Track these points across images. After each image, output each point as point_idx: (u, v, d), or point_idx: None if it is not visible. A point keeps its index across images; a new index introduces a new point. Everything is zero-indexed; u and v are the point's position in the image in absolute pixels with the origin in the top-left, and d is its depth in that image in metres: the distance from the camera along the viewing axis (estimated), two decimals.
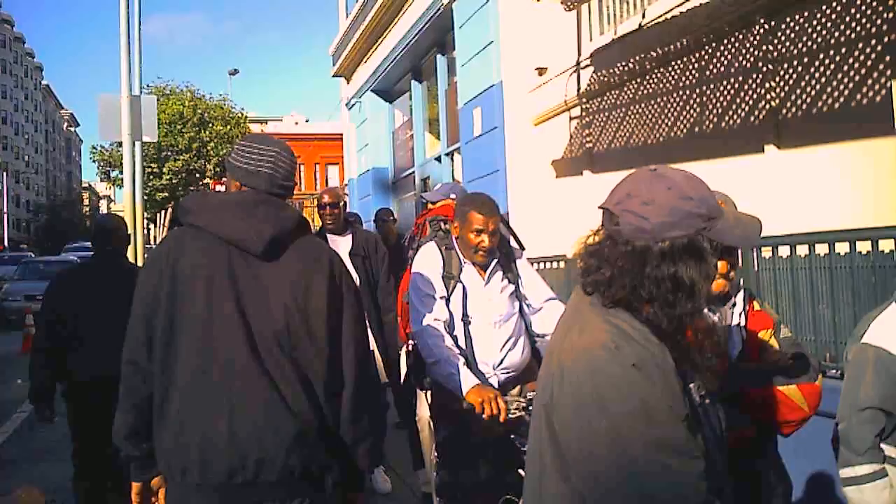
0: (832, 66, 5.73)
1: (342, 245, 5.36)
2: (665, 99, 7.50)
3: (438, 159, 14.19)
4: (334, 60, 19.50)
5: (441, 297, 3.55)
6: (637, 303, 1.60)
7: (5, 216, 71.78)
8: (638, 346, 1.56)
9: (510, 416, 3.17)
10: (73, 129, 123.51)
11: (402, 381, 4.21)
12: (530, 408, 3.25)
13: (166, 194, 36.75)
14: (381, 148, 17.72)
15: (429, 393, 3.83)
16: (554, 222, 8.92)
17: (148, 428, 2.43)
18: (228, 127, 37.00)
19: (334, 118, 37.77)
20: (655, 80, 7.65)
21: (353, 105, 18.88)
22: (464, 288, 3.60)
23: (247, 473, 2.32)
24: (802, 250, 5.01)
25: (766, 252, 5.27)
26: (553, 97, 9.42)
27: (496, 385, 3.53)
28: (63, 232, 72.38)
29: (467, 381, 3.23)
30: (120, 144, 12.48)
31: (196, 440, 2.33)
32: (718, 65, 6.80)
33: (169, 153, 35.84)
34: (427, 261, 3.67)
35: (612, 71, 8.26)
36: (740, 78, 6.56)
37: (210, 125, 36.37)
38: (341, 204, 5.51)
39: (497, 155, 10.26)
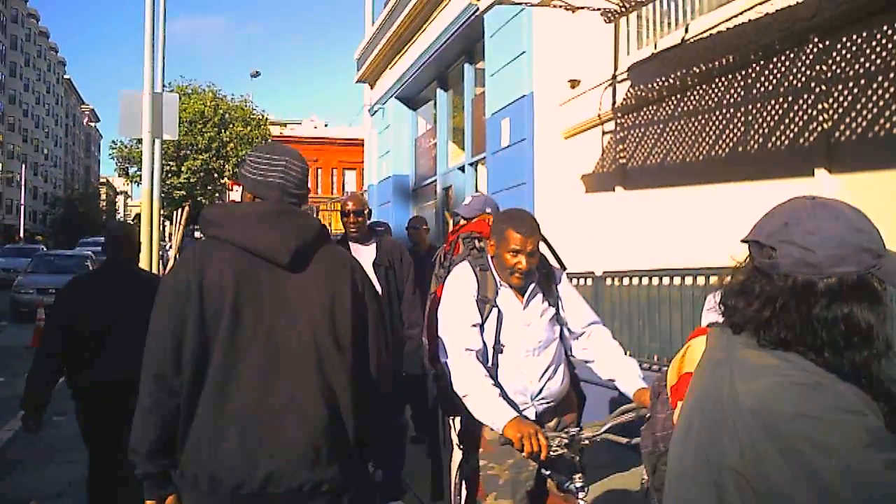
0: (892, 89, 5.44)
1: (365, 254, 5.10)
2: (706, 117, 7.23)
3: (462, 169, 13.95)
4: (359, 66, 19.31)
5: (475, 325, 3.26)
6: (801, 346, 1.40)
7: (22, 207, 72.03)
8: (833, 382, 1.37)
9: (551, 453, 2.90)
10: (93, 124, 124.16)
11: (428, 404, 3.94)
12: (574, 443, 3.00)
13: (184, 193, 36.64)
14: (402, 155, 17.49)
15: (458, 419, 3.54)
16: (582, 238, 8.65)
17: (168, 445, 2.40)
18: (249, 128, 36.91)
19: (355, 123, 37.70)
20: (697, 97, 7.38)
21: (375, 111, 18.69)
22: (499, 313, 3.29)
23: (253, 485, 2.32)
24: None
25: None
26: (585, 110, 9.16)
27: (533, 417, 3.26)
28: (79, 226, 72.50)
29: (505, 413, 2.95)
30: (139, 141, 12.36)
31: (207, 451, 2.34)
32: (766, 83, 6.53)
33: (188, 152, 35.77)
34: (460, 283, 3.35)
35: (650, 86, 7.99)
36: (790, 98, 6.28)
37: (231, 126, 36.30)
38: (366, 211, 5.22)
39: (525, 167, 10.00)
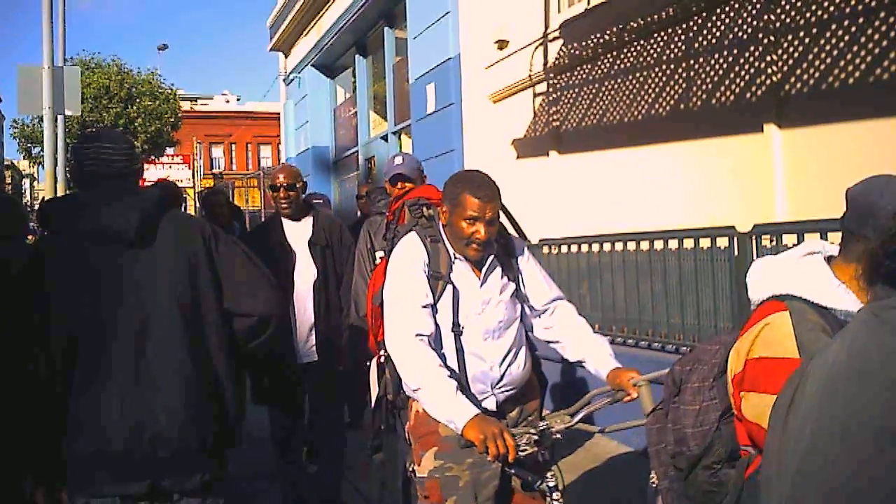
0: (846, 38, 5.16)
1: (300, 232, 4.59)
2: (645, 74, 6.89)
3: (385, 138, 13.44)
4: (272, 33, 18.52)
5: (426, 305, 2.80)
6: None
7: None
8: None
9: (520, 453, 2.49)
10: None
11: (374, 403, 3.43)
12: (544, 438, 2.60)
13: None
14: (321, 126, 16.84)
15: (409, 411, 3.08)
16: (515, 205, 8.16)
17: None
18: (157, 103, 35.40)
19: (270, 97, 36.64)
20: (634, 54, 7.03)
21: (291, 80, 17.96)
22: (454, 290, 2.85)
23: (143, 449, 2.40)
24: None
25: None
26: (515, 72, 8.75)
27: (494, 407, 2.84)
28: None
29: (464, 411, 2.51)
30: (41, 119, 11.63)
31: (92, 428, 2.40)
32: (710, 37, 6.20)
33: (94, 130, 34.10)
34: (408, 257, 2.89)
35: (583, 44, 7.61)
36: (735, 51, 5.97)
37: (138, 101, 34.74)
38: (298, 185, 4.63)
39: (452, 134, 9.56)
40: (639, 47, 6.94)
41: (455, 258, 2.88)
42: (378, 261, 4.21)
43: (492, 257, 2.89)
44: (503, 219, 3.06)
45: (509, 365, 2.89)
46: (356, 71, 15.08)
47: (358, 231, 4.68)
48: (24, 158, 40.01)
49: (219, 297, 2.59)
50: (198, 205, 24.91)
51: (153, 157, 35.74)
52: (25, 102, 11.49)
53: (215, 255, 2.62)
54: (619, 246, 6.02)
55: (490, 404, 2.84)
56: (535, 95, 8.53)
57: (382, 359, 3.16)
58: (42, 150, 11.77)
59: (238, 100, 60.12)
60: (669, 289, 5.48)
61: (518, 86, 8.71)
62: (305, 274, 4.51)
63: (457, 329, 2.83)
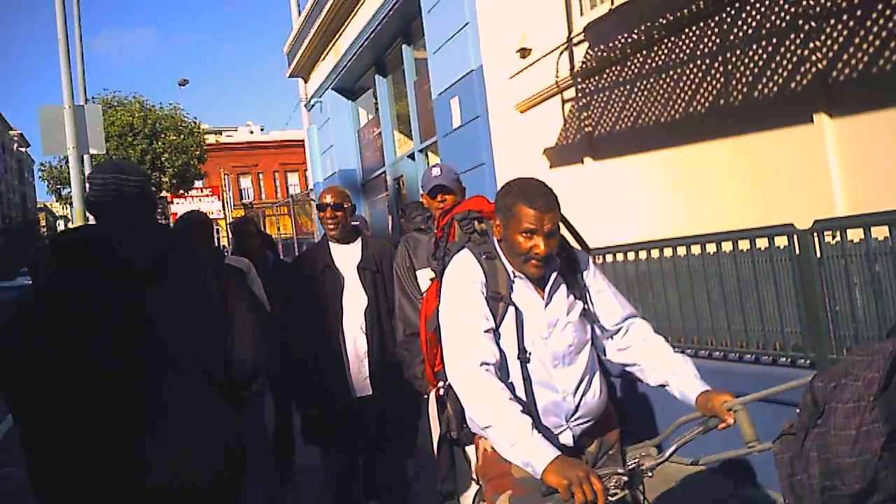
0: (894, 18, 4.86)
1: (349, 256, 4.40)
2: (679, 71, 6.61)
3: (412, 156, 13.24)
4: (289, 60, 18.43)
5: (488, 330, 2.52)
6: None
7: None
8: None
9: (609, 497, 2.23)
10: (23, 149, 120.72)
11: (437, 443, 3.14)
12: (635, 479, 2.36)
13: None
14: (346, 149, 16.69)
15: (474, 449, 2.81)
16: None
17: None
18: (182, 137, 35.65)
19: (292, 123, 36.71)
20: (666, 52, 6.75)
21: (312, 105, 17.85)
22: (517, 312, 2.57)
23: (174, 485, 2.43)
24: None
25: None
26: (541, 80, 8.51)
27: (571, 442, 2.57)
28: (20, 255, 70.24)
29: (543, 453, 2.22)
30: (67, 159, 11.62)
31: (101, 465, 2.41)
32: (746, 28, 5.91)
33: (107, 162, 34.30)
34: (463, 277, 2.62)
35: (611, 45, 7.35)
36: (774, 41, 5.68)
37: (163, 136, 34.99)
38: (346, 206, 4.42)
39: (481, 147, 9.33)
40: (670, 44, 6.67)
41: (514, 276, 2.61)
42: (428, 282, 3.99)
43: (555, 274, 2.63)
44: (563, 230, 2.80)
45: (584, 394, 2.62)
46: (377, 91, 14.92)
47: None
48: (56, 200, 40.43)
49: (222, 340, 2.60)
50: (230, 235, 24.95)
51: (182, 191, 35.90)
52: (49, 143, 11.47)
53: (227, 298, 2.64)
54: (668, 252, 5.75)
55: (566, 439, 2.58)
56: (563, 102, 8.28)
57: (441, 391, 2.89)
58: (71, 190, 11.71)
59: (262, 129, 60.64)
60: (727, 294, 5.20)
61: (545, 93, 8.47)
62: (355, 300, 4.32)
63: (523, 356, 2.56)
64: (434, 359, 3.00)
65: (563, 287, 2.66)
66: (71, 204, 12.20)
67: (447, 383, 2.72)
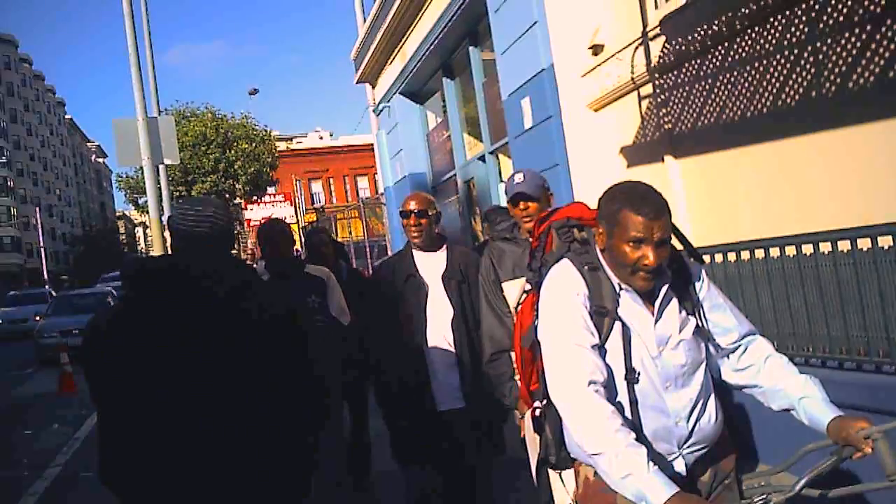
0: None
1: (434, 265, 4.26)
2: (765, 63, 6.27)
3: (482, 159, 13.07)
4: (357, 66, 18.43)
5: (594, 346, 2.33)
6: None
7: (42, 250, 72.02)
8: None
9: None
10: (101, 160, 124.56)
11: (535, 468, 2.93)
12: None
13: None
14: (416, 153, 16.60)
15: (572, 475, 2.60)
16: None
17: None
18: (254, 145, 36.16)
19: (360, 129, 36.91)
20: (750, 42, 6.42)
21: (381, 111, 17.82)
22: (624, 328, 2.37)
23: None
24: None
25: None
26: (615, 77, 8.22)
27: (683, 470, 2.36)
28: (101, 262, 72.35)
29: (660, 489, 2.03)
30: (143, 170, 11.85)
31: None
32: (837, 15, 5.56)
33: (196, 175, 35.01)
34: (564, 289, 2.42)
35: (689, 38, 7.04)
36: (868, 28, 5.32)
37: (235, 144, 35.54)
38: (431, 213, 4.27)
39: (555, 147, 9.08)
40: (754, 35, 6.33)
41: (620, 289, 2.40)
42: (515, 295, 3.79)
43: (665, 287, 2.40)
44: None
45: (698, 418, 2.40)
46: (444, 94, 14.78)
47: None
48: (133, 209, 41.47)
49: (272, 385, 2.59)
50: (303, 240, 25.12)
51: (255, 198, 36.41)
52: (124, 155, 11.77)
53: (287, 344, 2.64)
54: (759, 253, 5.45)
55: (679, 467, 2.37)
56: (640, 98, 7.99)
57: (537, 412, 2.68)
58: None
59: (331, 135, 61.28)
60: (826, 297, 4.89)
61: (620, 90, 8.19)
62: (440, 311, 4.18)
63: (631, 376, 2.35)
64: (530, 377, 2.80)
65: (675, 301, 2.44)
66: (148, 212, 12.46)
67: (544, 403, 2.54)
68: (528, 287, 2.84)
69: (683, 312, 2.44)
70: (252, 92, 44.05)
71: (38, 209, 77.66)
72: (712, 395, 2.47)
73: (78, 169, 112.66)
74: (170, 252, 2.83)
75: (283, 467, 2.62)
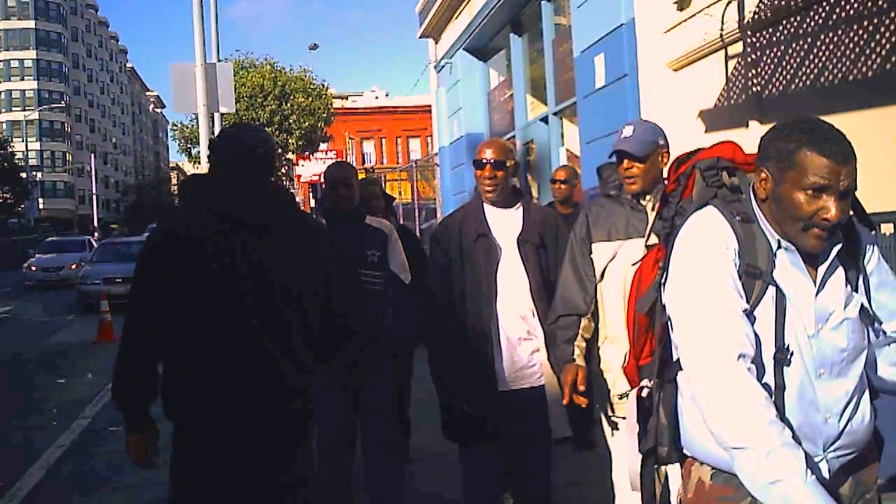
0: None
1: (508, 225, 3.70)
2: (877, 21, 5.71)
3: (545, 120, 12.57)
4: (421, 20, 17.98)
5: (740, 310, 1.89)
6: None
7: (95, 197, 72.95)
8: None
9: None
10: (159, 110, 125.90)
11: (641, 459, 2.43)
12: None
13: None
14: (475, 112, 16.12)
15: (684, 476, 2.16)
16: None
17: None
18: (310, 99, 35.84)
19: (416, 91, 36.47)
20: (853, 1, 5.85)
21: (442, 67, 17.35)
22: (778, 296, 1.92)
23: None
24: None
25: None
26: (701, 34, 7.68)
27: (826, 475, 1.91)
28: (152, 211, 73.09)
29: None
30: (198, 118, 11.66)
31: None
32: None
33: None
34: (711, 240, 1.96)
35: None
36: None
37: (291, 98, 35.26)
38: (508, 164, 3.70)
39: (627, 108, 8.59)
40: None
41: (780, 247, 1.95)
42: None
43: (835, 251, 1.95)
44: None
45: (850, 417, 1.96)
46: (510, 51, 14.27)
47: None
48: (187, 159, 41.51)
49: (318, 297, 2.82)
50: None
51: (307, 153, 36.17)
52: (180, 101, 11.62)
53: (329, 267, 2.87)
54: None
55: (821, 473, 1.92)
56: (727, 58, 7.45)
57: (645, 392, 2.27)
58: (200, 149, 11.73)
59: (387, 95, 60.83)
60: None
61: (705, 48, 7.65)
62: (512, 279, 3.65)
63: (781, 356, 1.90)
64: (641, 349, 2.35)
65: (841, 271, 1.98)
66: (200, 163, 12.26)
67: (655, 381, 2.13)
68: (649, 241, 2.41)
69: (849, 287, 1.99)
70: (312, 47, 43.75)
71: (93, 156, 78.59)
72: (867, 392, 2.03)
73: (135, 118, 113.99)
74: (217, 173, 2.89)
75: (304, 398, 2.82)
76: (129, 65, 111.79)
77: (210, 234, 2.66)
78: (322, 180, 5.30)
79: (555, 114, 12.15)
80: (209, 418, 2.67)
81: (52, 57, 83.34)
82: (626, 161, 3.27)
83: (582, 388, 3.20)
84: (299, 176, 36.13)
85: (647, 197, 3.36)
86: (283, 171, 39.37)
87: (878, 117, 5.72)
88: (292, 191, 4.65)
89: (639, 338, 2.33)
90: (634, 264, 2.68)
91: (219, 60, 15.76)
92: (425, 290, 3.89)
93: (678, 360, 2.05)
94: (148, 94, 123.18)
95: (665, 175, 2.39)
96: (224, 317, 2.64)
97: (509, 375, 3.60)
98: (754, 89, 7.11)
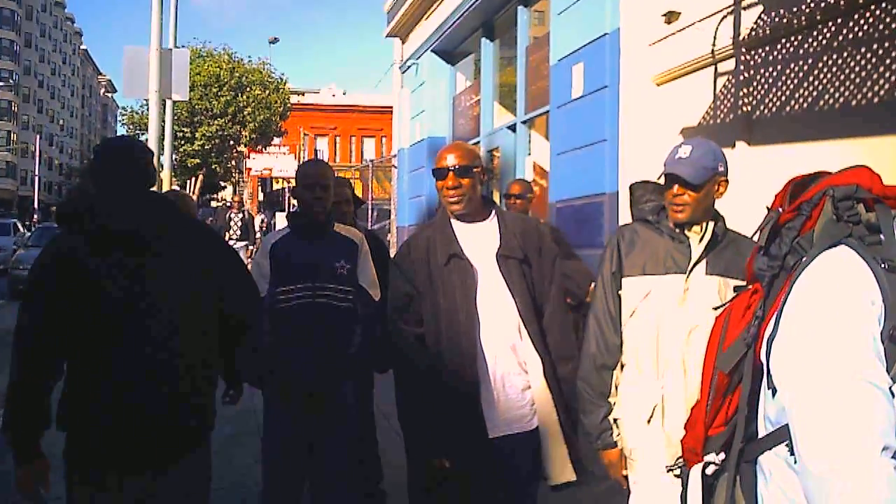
0: None
1: (482, 240, 3.15)
2: (887, 45, 5.41)
3: (512, 128, 12.17)
4: (389, 18, 17.49)
5: (886, 386, 1.45)
6: None
7: (37, 179, 70.94)
8: None
9: None
10: (109, 94, 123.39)
11: None
12: None
13: (198, 161, 35.00)
14: (439, 115, 15.64)
15: None
16: None
17: None
18: (267, 92, 35.08)
19: (378, 90, 35.96)
20: (871, 20, 5.55)
21: (408, 68, 16.88)
22: None
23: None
24: None
25: None
26: (691, 49, 7.36)
27: None
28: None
29: None
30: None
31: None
32: None
33: (203, 117, 33.96)
34: (849, 291, 1.55)
35: (795, 10, 6.16)
36: None
37: (248, 89, 34.47)
38: (476, 170, 3.13)
39: (605, 121, 8.25)
40: (879, 11, 5.46)
41: None
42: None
43: None
44: None
45: None
46: (481, 55, 13.85)
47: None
48: None
49: (215, 303, 2.96)
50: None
51: (260, 147, 35.42)
52: (131, 85, 11.11)
53: (221, 266, 3.02)
54: None
55: None
56: (716, 75, 7.12)
57: (710, 469, 1.83)
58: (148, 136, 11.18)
59: (344, 93, 60.13)
60: None
61: (694, 64, 7.32)
62: (496, 303, 3.09)
63: None
64: (715, 415, 1.89)
65: None
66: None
67: (723, 458, 1.70)
68: (736, 284, 1.97)
69: None
70: (273, 40, 42.87)
71: (38, 137, 76.56)
72: None
73: (85, 101, 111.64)
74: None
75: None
76: (83, 47, 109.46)
77: (95, 252, 2.68)
78: (272, 174, 4.75)
79: (523, 122, 11.77)
80: (105, 430, 2.70)
81: (3, 34, 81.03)
82: (676, 186, 2.84)
83: (625, 473, 2.87)
84: (249, 169, 35.38)
85: (694, 228, 2.94)
86: (233, 163, 38.56)
87: (883, 146, 5.41)
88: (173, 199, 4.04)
89: (716, 400, 1.87)
90: (716, 308, 2.23)
91: (175, 47, 15.18)
92: (388, 327, 3.28)
93: (767, 436, 1.63)
94: (100, 77, 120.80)
95: (776, 201, 1.91)
96: (118, 333, 2.68)
97: (499, 419, 3.06)
98: (744, 108, 6.78)
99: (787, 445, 1.57)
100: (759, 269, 1.81)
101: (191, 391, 2.83)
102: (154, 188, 2.92)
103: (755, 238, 1.89)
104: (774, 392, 1.61)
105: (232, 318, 3.01)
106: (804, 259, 1.65)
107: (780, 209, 1.85)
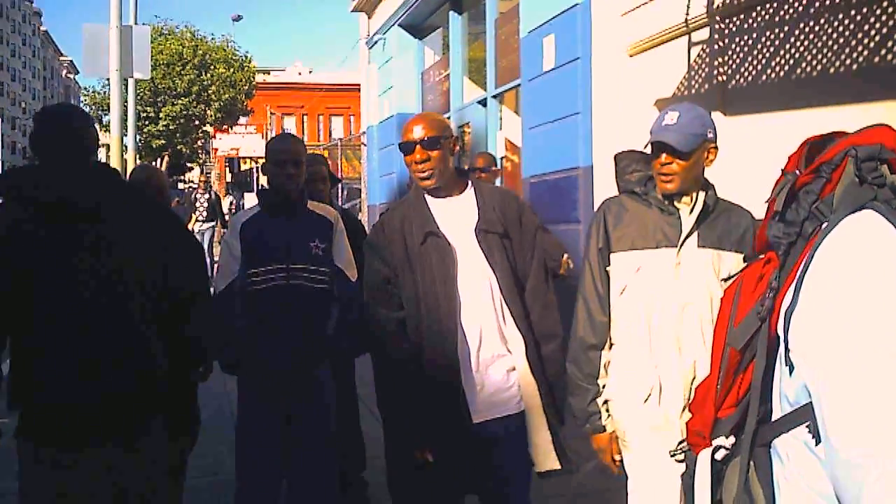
0: None
1: (459, 216, 3.00)
2: (866, 11, 5.31)
3: (483, 103, 12.01)
4: None
5: None
6: None
7: (0, 162, 69.75)
8: None
9: None
10: (72, 76, 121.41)
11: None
12: None
13: (163, 141, 34.48)
14: (407, 91, 15.40)
15: None
16: None
17: None
18: (232, 70, 34.58)
19: (344, 67, 35.63)
20: None
21: (375, 43, 16.61)
22: None
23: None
24: None
25: None
26: (664, 18, 7.22)
27: None
28: None
29: None
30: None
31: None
32: None
33: (166, 97, 33.40)
34: (884, 259, 1.34)
35: None
36: None
37: (212, 68, 33.94)
38: (445, 141, 2.97)
39: (578, 93, 8.09)
40: None
41: None
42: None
43: None
44: None
45: None
46: (449, 30, 13.64)
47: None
48: (99, 127, 39.76)
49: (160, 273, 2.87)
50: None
51: (226, 126, 34.98)
52: (91, 64, 10.98)
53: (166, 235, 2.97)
54: None
55: None
56: (690, 44, 6.99)
57: (720, 454, 1.70)
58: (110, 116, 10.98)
59: (310, 72, 59.57)
60: None
61: (667, 34, 7.18)
62: (477, 281, 2.95)
63: None
64: (724, 396, 1.74)
65: None
66: (110, 131, 11.56)
67: (735, 442, 1.58)
68: (747, 254, 1.83)
69: None
70: (236, 18, 42.27)
71: (0, 120, 75.19)
72: None
73: (47, 83, 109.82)
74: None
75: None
76: (42, 28, 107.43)
77: (35, 222, 2.64)
78: (240, 154, 4.60)
79: (494, 97, 11.62)
80: (53, 403, 2.68)
81: None
82: (664, 155, 2.71)
83: (618, 457, 2.79)
84: (216, 149, 34.95)
85: (684, 198, 2.82)
86: (199, 143, 38.08)
87: (860, 113, 5.32)
88: (115, 168, 3.96)
89: (726, 379, 1.71)
90: (726, 279, 2.07)
91: (136, 24, 14.86)
92: (364, 310, 3.15)
93: (784, 417, 1.50)
94: (62, 59, 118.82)
95: (790, 163, 1.74)
96: (67, 306, 2.67)
97: (482, 404, 2.93)
98: (719, 78, 6.66)
99: (807, 427, 1.43)
100: (774, 236, 1.64)
101: (135, 358, 2.78)
102: (102, 159, 2.77)
103: (767, 204, 1.74)
104: (792, 369, 1.48)
105: (179, 292, 2.95)
106: (825, 225, 1.50)
107: (797, 171, 1.70)
